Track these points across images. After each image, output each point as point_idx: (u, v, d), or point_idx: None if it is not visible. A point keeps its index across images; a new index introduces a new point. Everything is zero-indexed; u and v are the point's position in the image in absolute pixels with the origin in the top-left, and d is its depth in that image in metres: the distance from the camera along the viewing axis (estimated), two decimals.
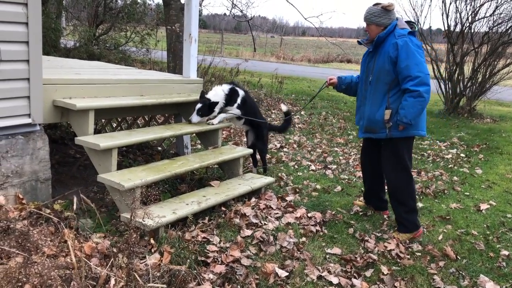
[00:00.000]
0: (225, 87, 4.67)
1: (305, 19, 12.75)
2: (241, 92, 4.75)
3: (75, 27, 16.08)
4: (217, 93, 4.59)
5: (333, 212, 4.19)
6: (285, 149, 6.83)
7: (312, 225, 3.85)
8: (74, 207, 3.39)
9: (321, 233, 3.80)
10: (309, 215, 4.03)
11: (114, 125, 5.82)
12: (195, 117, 4.49)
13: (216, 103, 4.53)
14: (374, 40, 3.86)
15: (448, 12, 10.91)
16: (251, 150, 4.77)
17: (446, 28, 10.97)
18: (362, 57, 4.22)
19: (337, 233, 3.85)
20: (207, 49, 14.66)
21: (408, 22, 3.97)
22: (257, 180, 4.35)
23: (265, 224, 3.73)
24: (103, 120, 5.68)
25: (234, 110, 4.71)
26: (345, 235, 3.83)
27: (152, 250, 3.20)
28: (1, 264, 2.78)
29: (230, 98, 4.66)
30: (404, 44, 3.67)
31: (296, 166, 5.87)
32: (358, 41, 4.17)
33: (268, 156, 6.15)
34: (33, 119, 3.51)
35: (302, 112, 10.52)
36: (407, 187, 3.96)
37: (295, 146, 7.09)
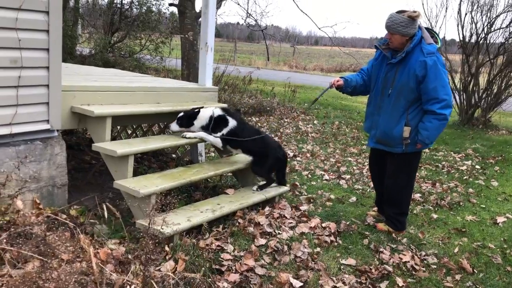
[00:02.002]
0: (217, 111, 4.28)
1: (319, 29, 12.83)
2: (231, 123, 4.24)
3: (90, 35, 16.32)
4: (206, 111, 4.27)
5: (348, 223, 4.17)
6: (298, 158, 6.82)
7: (327, 235, 3.82)
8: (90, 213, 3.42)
9: (336, 244, 3.77)
10: (323, 225, 4.01)
11: (129, 132, 5.86)
12: (173, 125, 4.29)
13: (195, 118, 4.24)
14: (402, 53, 3.72)
15: (464, 23, 10.86)
16: None
17: (461, 38, 10.91)
18: (373, 61, 4.08)
19: (352, 243, 3.83)
20: (220, 58, 14.78)
21: (429, 30, 3.86)
22: (271, 189, 4.34)
23: (279, 233, 3.72)
24: (118, 127, 5.73)
25: (215, 139, 4.25)
26: (359, 246, 3.80)
27: (167, 258, 3.20)
28: (19, 268, 2.80)
29: (216, 125, 4.24)
30: (434, 65, 3.59)
31: (309, 176, 5.85)
32: (375, 45, 4.07)
33: None
34: (52, 125, 3.56)
35: (315, 121, 10.52)
36: (406, 193, 4.14)
37: (308, 155, 7.08)
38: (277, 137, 8.31)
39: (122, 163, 3.59)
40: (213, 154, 6.13)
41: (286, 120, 10.36)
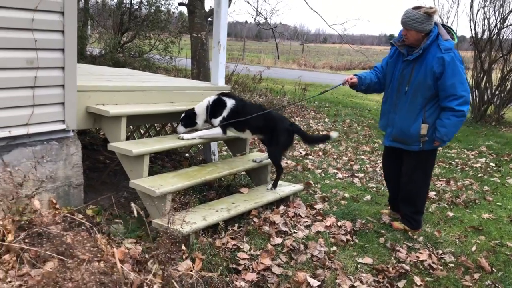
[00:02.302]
0: (210, 98, 4.16)
1: (329, 26, 12.75)
2: (229, 103, 4.11)
3: (100, 35, 16.38)
4: (202, 104, 4.17)
5: (363, 221, 4.14)
6: (310, 157, 6.79)
7: (343, 234, 3.80)
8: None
9: (352, 242, 3.74)
10: (339, 224, 3.98)
11: (142, 131, 5.87)
12: (180, 128, 4.21)
13: (195, 114, 4.13)
14: (419, 50, 3.67)
15: (476, 18, 10.75)
16: None
17: (473, 35, 10.80)
18: (388, 58, 4.03)
19: (368, 242, 3.80)
20: (229, 57, 14.77)
21: (445, 27, 3.80)
22: (286, 188, 4.32)
23: (294, 232, 3.70)
24: (131, 127, 5.75)
25: (214, 131, 4.14)
26: (376, 244, 3.77)
27: (183, 257, 3.20)
28: (38, 268, 2.82)
29: (214, 109, 4.11)
30: (451, 61, 3.55)
31: (322, 174, 5.82)
32: (390, 42, 4.02)
33: (293, 163, 6.14)
34: (67, 125, 3.57)
35: (326, 119, 10.47)
36: (422, 191, 4.09)
37: (320, 153, 7.05)
38: None
39: (137, 163, 3.59)
40: (225, 153, 6.12)
41: (296, 118, 10.32)
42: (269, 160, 4.34)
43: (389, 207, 4.46)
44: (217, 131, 4.13)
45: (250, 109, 4.16)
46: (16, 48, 3.16)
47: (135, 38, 16.11)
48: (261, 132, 4.27)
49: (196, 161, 5.18)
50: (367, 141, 8.44)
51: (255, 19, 12.82)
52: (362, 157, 7.10)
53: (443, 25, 3.81)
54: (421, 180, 4.03)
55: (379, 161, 6.82)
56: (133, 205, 3.15)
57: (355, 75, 4.14)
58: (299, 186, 4.47)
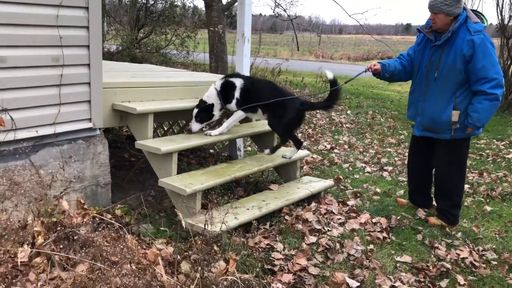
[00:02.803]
0: (218, 83, 3.93)
1: (350, 16, 12.44)
2: (238, 82, 3.90)
3: (117, 31, 16.39)
4: (210, 93, 3.90)
5: (398, 217, 3.98)
6: (336, 150, 6.64)
7: (378, 232, 3.65)
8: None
9: (389, 240, 3.60)
10: (374, 220, 3.84)
11: (165, 128, 5.78)
12: (195, 125, 3.90)
13: (212, 105, 3.87)
14: (447, 33, 3.54)
15: (503, 4, 10.39)
16: (308, 152, 4.57)
17: (500, 21, 10.45)
18: (415, 46, 3.88)
19: (405, 239, 3.64)
20: None
21: (473, 11, 3.66)
22: (316, 184, 4.19)
23: (328, 230, 3.57)
24: (154, 124, 5.66)
25: (236, 115, 3.93)
26: (413, 242, 3.62)
27: (216, 258, 3.10)
28: (69, 270, 2.75)
29: (226, 94, 3.88)
30: (482, 43, 3.41)
31: (350, 168, 5.67)
32: (417, 29, 3.87)
33: (319, 158, 5.99)
34: (94, 123, 3.49)
35: (348, 112, 10.28)
36: (458, 184, 3.93)
37: (346, 147, 6.88)
38: (310, 129, 8.14)
39: (166, 161, 3.49)
40: (249, 148, 6.01)
41: (318, 111, 10.14)
42: (298, 155, 4.21)
43: (408, 199, 4.33)
44: (239, 115, 3.96)
45: (259, 85, 4.00)
46: (42, 45, 3.08)
47: (151, 34, 16.06)
48: (271, 111, 3.96)
49: (221, 157, 5.08)
50: (392, 133, 8.24)
51: (273, 10, 12.60)
52: (389, 149, 6.92)
53: (473, 11, 3.66)
54: (455, 171, 3.88)
55: (406, 154, 6.62)
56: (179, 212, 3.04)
57: (378, 62, 3.98)
58: (329, 182, 4.33)
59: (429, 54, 3.72)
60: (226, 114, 4.12)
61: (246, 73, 4.99)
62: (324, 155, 6.28)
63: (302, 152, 4.45)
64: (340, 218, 3.80)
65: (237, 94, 3.88)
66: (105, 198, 3.70)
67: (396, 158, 6.33)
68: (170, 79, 4.28)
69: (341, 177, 5.05)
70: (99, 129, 3.59)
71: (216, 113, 3.94)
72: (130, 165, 4.79)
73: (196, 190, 3.30)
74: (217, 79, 4.04)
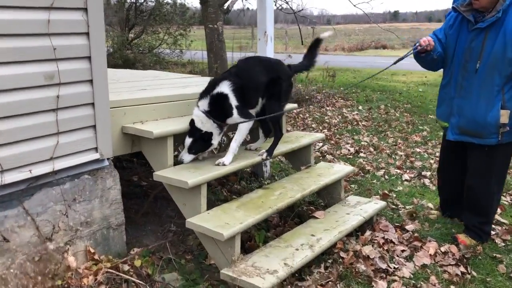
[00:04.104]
0: (202, 104, 3.04)
1: (354, 6, 11.77)
2: (225, 87, 3.03)
3: (107, 33, 15.65)
4: (203, 118, 3.01)
5: (468, 242, 3.33)
6: (361, 154, 5.98)
7: (454, 265, 3.01)
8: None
9: (469, 277, 2.94)
10: (442, 249, 3.18)
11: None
12: (186, 156, 3.07)
13: (209, 133, 3.03)
14: (497, 13, 2.88)
15: None
16: (352, 168, 3.89)
17: None
18: (446, 28, 3.21)
19: (487, 273, 3.00)
20: (236, 45, 13.89)
21: None
22: (367, 206, 3.51)
23: (395, 268, 2.92)
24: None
25: (246, 123, 3.11)
26: (498, 276, 2.97)
27: None
28: None
29: (219, 111, 3.04)
30: None
31: (386, 177, 5.01)
32: (452, 7, 3.17)
33: (347, 164, 5.32)
34: (101, 153, 2.79)
35: (360, 107, 9.64)
36: (496, 197, 3.35)
37: (371, 149, 6.23)
38: (325, 130, 7.50)
39: (193, 194, 2.81)
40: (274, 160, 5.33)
41: (328, 108, 9.51)
42: (344, 171, 3.55)
43: (439, 209, 3.78)
44: (249, 126, 3.16)
45: (247, 72, 3.18)
46: (29, 60, 2.37)
47: (143, 34, 15.39)
48: (268, 90, 3.23)
49: (245, 174, 4.40)
50: (413, 129, 7.61)
51: (275, 3, 11.91)
52: (417, 150, 6.29)
53: None
54: (496, 183, 3.27)
55: (438, 153, 5.99)
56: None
57: (430, 35, 3.24)
58: (382, 203, 3.64)
59: (467, 39, 3.07)
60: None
61: None
62: (351, 160, 5.63)
63: (347, 168, 3.80)
64: (404, 250, 3.14)
65: (233, 101, 3.04)
66: (119, 242, 3.01)
67: (431, 161, 5.70)
68: (186, 90, 3.56)
69: (387, 192, 4.36)
70: (108, 159, 2.89)
71: (215, 141, 3.11)
72: (142, 190, 4.09)
73: (235, 233, 2.63)
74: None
